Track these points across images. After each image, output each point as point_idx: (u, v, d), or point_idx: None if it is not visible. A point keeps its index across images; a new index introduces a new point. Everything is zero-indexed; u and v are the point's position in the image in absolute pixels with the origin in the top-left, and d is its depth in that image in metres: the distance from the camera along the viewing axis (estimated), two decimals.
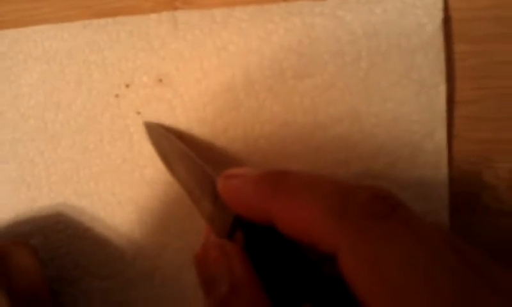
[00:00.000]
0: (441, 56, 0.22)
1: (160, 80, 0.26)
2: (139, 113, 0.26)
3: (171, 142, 0.25)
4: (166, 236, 0.27)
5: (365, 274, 0.15)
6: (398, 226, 0.16)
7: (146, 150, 0.26)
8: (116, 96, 0.27)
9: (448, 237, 0.16)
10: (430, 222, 0.16)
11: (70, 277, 0.28)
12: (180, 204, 0.26)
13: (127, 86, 0.27)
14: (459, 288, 0.14)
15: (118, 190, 0.27)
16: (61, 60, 0.28)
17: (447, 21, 0.23)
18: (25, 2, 0.28)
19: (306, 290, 0.17)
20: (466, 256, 0.15)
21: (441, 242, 0.15)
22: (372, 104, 0.23)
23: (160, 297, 0.27)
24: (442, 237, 0.16)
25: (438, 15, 0.22)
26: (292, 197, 0.18)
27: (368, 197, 0.17)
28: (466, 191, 0.23)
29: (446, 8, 0.23)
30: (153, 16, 0.26)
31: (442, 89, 0.22)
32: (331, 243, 0.16)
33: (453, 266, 0.15)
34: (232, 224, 0.20)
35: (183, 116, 0.26)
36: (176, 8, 0.26)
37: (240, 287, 0.18)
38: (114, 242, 0.28)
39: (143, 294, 0.27)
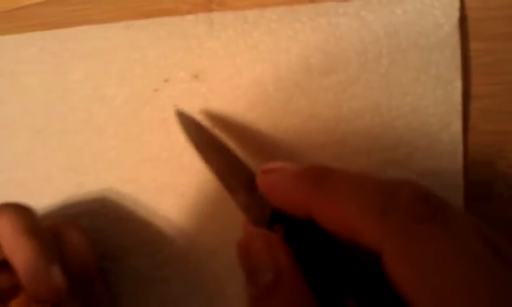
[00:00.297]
0: (457, 53, 0.24)
1: (196, 76, 0.28)
2: (176, 106, 0.29)
3: (204, 132, 0.26)
4: (201, 220, 0.29)
5: (408, 275, 0.16)
6: (439, 228, 0.16)
7: (182, 140, 0.29)
8: (155, 90, 0.29)
9: (484, 233, 0.17)
10: (466, 214, 0.17)
11: (113, 256, 0.31)
12: (214, 190, 0.28)
13: (166, 81, 0.29)
14: (497, 291, 0.15)
15: (157, 177, 0.30)
16: (105, 58, 0.30)
17: (463, 20, 0.25)
18: (74, 4, 0.31)
19: (348, 284, 0.18)
20: (503, 252, 0.16)
21: (479, 242, 0.16)
22: (392, 98, 0.25)
23: (195, 275, 0.30)
24: (480, 235, 0.16)
25: (455, 15, 0.24)
26: (335, 195, 0.18)
27: (411, 198, 0.17)
28: (480, 180, 0.25)
29: (462, 8, 0.25)
30: (190, 17, 0.29)
31: (458, 84, 0.24)
32: (374, 241, 0.17)
33: (491, 267, 0.16)
34: (270, 217, 0.21)
35: (216, 109, 0.28)
36: (211, 10, 0.28)
37: (284, 277, 0.18)
38: (153, 224, 0.30)
39: (179, 272, 0.30)
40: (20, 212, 0.26)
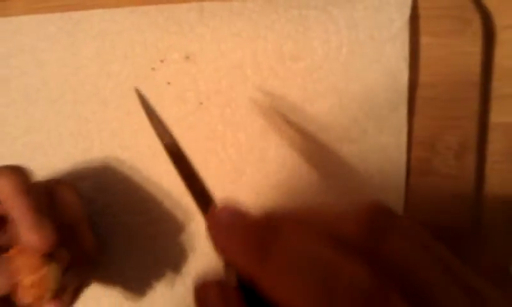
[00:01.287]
0: (406, 47, 0.28)
1: (187, 57, 0.33)
2: (169, 83, 0.33)
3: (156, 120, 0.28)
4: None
5: None
6: None
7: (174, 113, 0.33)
8: (153, 69, 0.34)
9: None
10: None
11: (112, 212, 0.35)
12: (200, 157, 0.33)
13: (162, 61, 0.33)
14: None
15: (152, 145, 0.34)
16: (112, 38, 0.35)
17: (415, 17, 0.28)
18: None
19: None
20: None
21: None
22: (349, 83, 0.29)
23: (183, 231, 0.34)
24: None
25: (406, 12, 0.28)
26: (275, 276, 0.18)
27: (351, 290, 0.17)
28: (421, 158, 0.28)
29: (414, 6, 0.28)
30: (185, 5, 0.33)
31: (405, 74, 0.28)
32: None
33: None
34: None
35: (203, 87, 0.32)
36: (203, 0, 0.33)
37: None
38: (146, 187, 0.35)
39: (170, 229, 0.34)
40: (18, 172, 0.29)
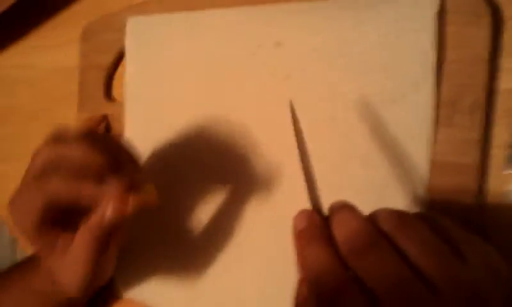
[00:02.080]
0: (435, 33, 0.39)
1: (278, 44, 0.46)
2: (264, 63, 0.46)
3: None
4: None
5: None
6: None
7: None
8: (253, 53, 0.47)
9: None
10: None
11: None
12: None
13: (259, 46, 0.46)
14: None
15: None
16: (223, 31, 0.48)
17: (442, 12, 0.39)
18: None
19: None
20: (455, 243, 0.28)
21: None
22: (395, 60, 0.40)
23: None
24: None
25: (435, 7, 0.39)
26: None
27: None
28: (445, 113, 0.39)
29: (442, 3, 0.39)
30: (275, 5, 0.46)
31: (434, 52, 0.39)
32: None
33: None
34: None
35: (289, 65, 0.45)
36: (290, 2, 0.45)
37: None
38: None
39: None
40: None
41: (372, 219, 0.30)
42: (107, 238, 0.38)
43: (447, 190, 0.39)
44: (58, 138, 0.39)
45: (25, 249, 0.62)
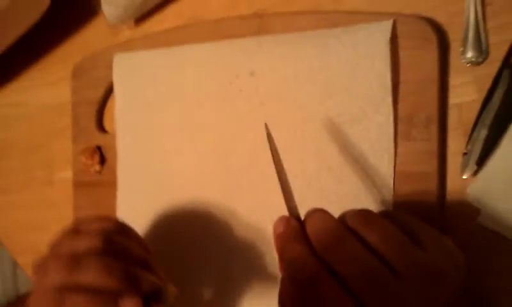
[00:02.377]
0: (388, 58, 0.43)
1: (252, 74, 0.50)
2: (240, 91, 0.50)
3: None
4: None
5: None
6: None
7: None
8: (230, 83, 0.51)
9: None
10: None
11: None
12: None
13: (236, 76, 0.51)
14: None
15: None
16: (203, 63, 0.53)
17: (394, 37, 0.44)
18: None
19: None
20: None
21: None
22: (353, 82, 0.45)
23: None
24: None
25: (387, 35, 0.43)
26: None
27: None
28: (403, 129, 0.44)
29: (393, 30, 0.44)
30: (249, 39, 0.50)
31: (388, 75, 0.43)
32: None
33: None
34: None
35: (263, 92, 0.49)
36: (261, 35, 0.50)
37: None
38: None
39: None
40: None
41: (341, 218, 0.34)
42: None
43: (411, 197, 0.44)
44: (75, 233, 0.42)
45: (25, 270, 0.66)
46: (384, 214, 0.35)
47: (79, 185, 0.60)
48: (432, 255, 0.32)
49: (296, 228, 0.35)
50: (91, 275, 0.38)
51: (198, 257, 0.53)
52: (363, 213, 0.34)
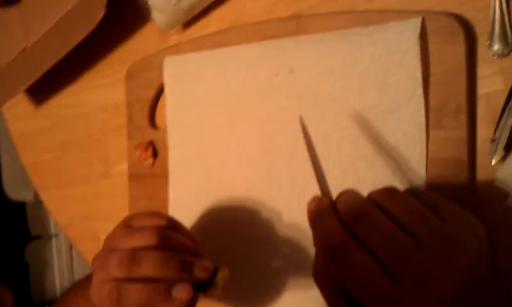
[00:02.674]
0: (418, 52, 0.46)
1: (291, 71, 0.54)
2: (280, 88, 0.54)
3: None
4: None
5: None
6: None
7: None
8: (271, 80, 0.55)
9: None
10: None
11: None
12: None
13: (276, 74, 0.55)
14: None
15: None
16: (247, 62, 0.57)
17: (424, 34, 0.47)
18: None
19: None
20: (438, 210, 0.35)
21: None
22: (387, 76, 0.48)
23: None
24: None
25: (417, 31, 0.46)
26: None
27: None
28: (434, 118, 0.47)
29: (423, 26, 0.47)
30: (288, 39, 0.54)
31: (419, 68, 0.46)
32: None
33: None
34: None
35: (301, 88, 0.53)
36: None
37: None
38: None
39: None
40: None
41: (368, 195, 0.38)
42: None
43: (443, 183, 0.47)
44: (129, 228, 0.46)
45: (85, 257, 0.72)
46: (408, 190, 0.39)
47: (134, 177, 0.66)
48: (452, 225, 0.35)
49: (327, 204, 0.39)
50: (148, 268, 0.42)
51: (242, 251, 0.57)
52: (388, 189, 0.38)
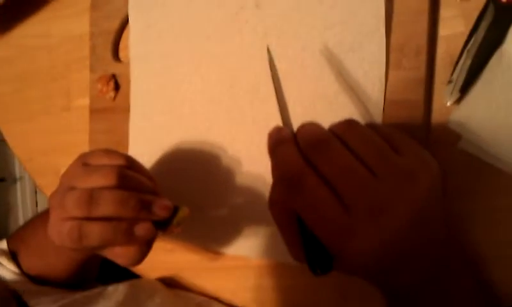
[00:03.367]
0: None
1: (257, 5, 0.53)
2: (247, 22, 0.54)
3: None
4: None
5: None
6: None
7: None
8: (236, 13, 0.54)
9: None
10: None
11: None
12: None
13: (241, 7, 0.54)
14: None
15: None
16: None
17: None
18: None
19: None
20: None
21: None
22: (356, 16, 0.48)
23: None
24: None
25: None
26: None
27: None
28: (395, 57, 0.47)
29: None
30: None
31: (382, 6, 0.46)
32: None
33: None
34: None
35: (267, 21, 0.53)
36: None
37: None
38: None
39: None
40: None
41: (329, 127, 0.38)
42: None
43: (399, 123, 0.47)
44: (86, 167, 0.45)
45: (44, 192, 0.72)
46: (368, 125, 0.39)
47: (95, 111, 0.65)
48: (408, 159, 0.35)
49: (287, 133, 0.39)
50: (108, 207, 0.42)
51: (200, 189, 0.57)
52: (348, 121, 0.38)
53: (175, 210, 0.45)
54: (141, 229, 0.43)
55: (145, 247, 0.45)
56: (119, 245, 0.44)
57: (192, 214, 0.46)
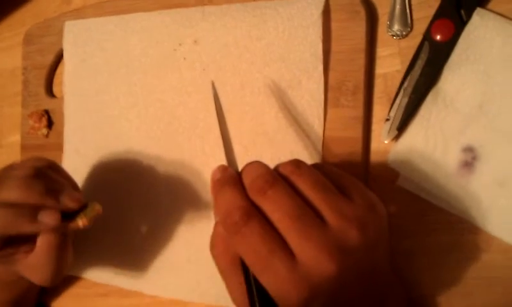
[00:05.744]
0: (320, 29, 0.46)
1: (196, 42, 0.52)
2: (184, 59, 0.53)
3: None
4: None
5: None
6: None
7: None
8: (174, 50, 0.53)
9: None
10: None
11: None
12: None
13: (180, 44, 0.53)
14: None
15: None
16: (148, 30, 0.55)
17: (326, 11, 0.46)
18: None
19: None
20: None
21: None
22: (290, 52, 0.47)
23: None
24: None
25: (320, 8, 0.46)
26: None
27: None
28: (332, 96, 0.47)
29: (326, 3, 0.46)
30: (193, 8, 0.52)
31: (320, 45, 0.46)
32: None
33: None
34: None
35: (206, 59, 0.52)
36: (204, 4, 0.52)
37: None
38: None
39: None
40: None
41: (275, 167, 0.37)
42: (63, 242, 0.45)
43: (338, 160, 0.46)
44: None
45: None
46: (315, 165, 0.38)
47: (26, 148, 0.61)
48: (357, 207, 0.34)
49: (232, 174, 0.37)
50: (12, 191, 0.41)
51: (134, 226, 0.55)
52: (295, 162, 0.36)
53: (86, 207, 0.45)
54: (45, 215, 0.41)
55: (55, 254, 0.44)
56: (23, 233, 0.42)
57: (103, 213, 0.46)
